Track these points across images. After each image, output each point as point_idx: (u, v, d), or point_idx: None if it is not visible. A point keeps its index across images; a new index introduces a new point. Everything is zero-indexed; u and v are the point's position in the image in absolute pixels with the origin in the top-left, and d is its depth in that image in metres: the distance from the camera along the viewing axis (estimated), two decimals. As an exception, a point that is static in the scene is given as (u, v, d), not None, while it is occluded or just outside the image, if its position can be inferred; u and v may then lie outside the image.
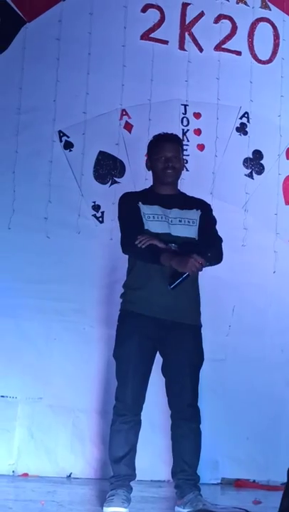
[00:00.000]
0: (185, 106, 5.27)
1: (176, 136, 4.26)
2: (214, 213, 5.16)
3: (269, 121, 5.38)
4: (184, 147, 5.19)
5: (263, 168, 5.37)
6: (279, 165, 5.38)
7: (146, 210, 4.05)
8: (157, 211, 4.06)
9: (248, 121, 5.36)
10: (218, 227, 5.17)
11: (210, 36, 5.36)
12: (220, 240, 4.20)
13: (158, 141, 4.19)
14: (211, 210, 4.26)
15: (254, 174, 5.36)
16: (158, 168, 4.13)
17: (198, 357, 4.10)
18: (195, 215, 4.12)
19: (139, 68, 5.19)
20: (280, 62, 5.46)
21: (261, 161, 5.37)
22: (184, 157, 5.19)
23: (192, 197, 4.25)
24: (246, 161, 5.35)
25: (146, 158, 4.24)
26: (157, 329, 3.98)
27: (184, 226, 4.06)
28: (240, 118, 5.35)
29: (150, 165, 4.20)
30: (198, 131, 5.28)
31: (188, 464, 4.04)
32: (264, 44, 5.46)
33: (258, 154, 5.37)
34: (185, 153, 5.20)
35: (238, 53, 5.41)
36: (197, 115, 5.28)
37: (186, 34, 5.32)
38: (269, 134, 5.39)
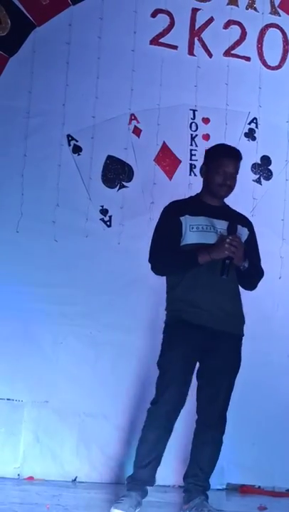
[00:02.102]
0: (194, 111, 5.29)
1: (238, 152, 4.20)
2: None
3: (277, 127, 5.41)
4: (193, 152, 5.25)
5: (271, 174, 5.39)
6: (287, 171, 5.42)
7: (191, 221, 4.02)
8: (204, 222, 4.03)
9: (257, 126, 5.38)
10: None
11: (219, 42, 5.39)
12: (261, 272, 4.27)
13: (221, 154, 4.13)
14: (254, 232, 4.26)
15: (262, 180, 5.38)
16: (214, 181, 4.08)
17: (236, 367, 4.12)
18: (243, 232, 4.12)
19: (148, 73, 5.21)
20: (289, 67, 5.49)
21: (269, 167, 5.40)
22: (192, 162, 5.25)
23: (237, 212, 4.25)
24: (254, 167, 5.37)
25: (202, 165, 4.18)
26: (203, 338, 3.97)
27: None
28: (249, 123, 5.38)
29: (205, 173, 4.14)
30: (206, 137, 5.30)
31: (203, 471, 4.06)
32: (273, 50, 5.49)
33: (266, 160, 5.39)
34: (193, 158, 5.25)
35: (248, 59, 5.43)
36: (206, 120, 5.30)
37: (196, 39, 5.35)
38: (277, 139, 5.42)
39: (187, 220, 4.01)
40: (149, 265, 4.13)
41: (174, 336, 4.01)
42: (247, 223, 4.20)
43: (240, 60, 5.41)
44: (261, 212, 5.30)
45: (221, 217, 4.06)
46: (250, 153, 5.34)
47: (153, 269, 4.10)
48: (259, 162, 5.38)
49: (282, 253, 5.30)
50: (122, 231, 5.07)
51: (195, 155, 5.25)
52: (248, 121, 5.37)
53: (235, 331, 4.08)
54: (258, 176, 5.38)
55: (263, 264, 5.22)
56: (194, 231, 4.00)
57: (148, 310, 4.96)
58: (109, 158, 5.12)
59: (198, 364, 4.07)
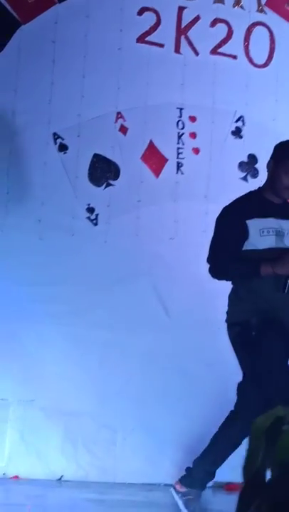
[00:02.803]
0: (180, 109, 5.30)
1: None
2: (208, 217, 5.23)
3: (264, 125, 5.42)
4: (179, 150, 5.26)
5: (258, 172, 5.40)
6: (274, 169, 5.41)
7: (258, 224, 3.87)
8: (274, 224, 3.90)
9: (244, 124, 5.40)
10: (212, 231, 5.23)
11: (206, 40, 5.40)
12: None
13: None
14: None
15: (249, 178, 5.40)
16: (281, 180, 3.92)
17: None
18: None
19: (134, 71, 5.23)
20: (276, 66, 5.50)
21: (256, 165, 5.41)
22: (179, 160, 5.26)
23: None
24: (241, 165, 5.38)
25: (270, 160, 4.06)
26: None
27: None
28: (236, 122, 5.39)
29: (272, 170, 3.99)
30: (193, 135, 5.31)
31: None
32: (260, 48, 5.50)
33: (252, 158, 5.40)
34: (180, 156, 5.26)
35: (234, 57, 5.45)
36: (193, 118, 5.32)
37: (182, 37, 5.36)
38: (264, 137, 5.40)
39: (256, 223, 3.87)
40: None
41: (269, 337, 3.84)
42: None
43: (226, 58, 5.43)
44: (248, 211, 5.32)
45: (287, 217, 3.93)
46: (237, 152, 5.37)
47: (211, 271, 3.97)
48: (246, 160, 5.39)
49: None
50: (109, 229, 5.08)
51: (182, 153, 5.26)
52: (234, 120, 5.39)
53: None
54: (244, 174, 5.39)
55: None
56: (265, 235, 3.86)
57: (135, 308, 4.98)
58: (96, 156, 5.13)
59: None
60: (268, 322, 3.83)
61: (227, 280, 4.01)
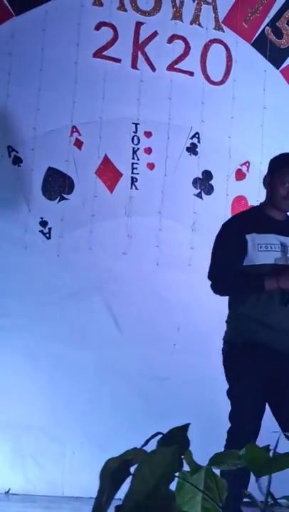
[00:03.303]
0: (136, 124, 5.36)
1: None
2: (162, 232, 5.30)
3: (219, 142, 5.49)
4: (134, 166, 5.32)
5: (212, 189, 5.48)
6: (228, 186, 5.50)
7: (259, 239, 3.81)
8: (273, 240, 3.84)
9: (199, 141, 5.47)
10: (165, 246, 5.30)
11: (163, 56, 5.47)
12: None
13: (287, 164, 3.91)
14: None
15: (203, 194, 5.47)
16: (278, 193, 3.86)
17: None
18: None
19: (90, 86, 5.28)
20: (232, 83, 5.58)
21: (210, 182, 5.48)
22: (134, 175, 5.32)
23: None
24: (196, 181, 5.45)
25: (266, 175, 3.98)
26: (274, 361, 3.79)
27: None
28: (191, 138, 5.46)
29: (269, 184, 3.94)
30: (148, 150, 5.37)
31: None
32: (217, 65, 5.58)
33: (207, 175, 5.47)
34: (135, 171, 5.32)
35: (191, 74, 5.52)
36: (148, 134, 5.38)
37: (139, 53, 5.42)
38: (219, 154, 5.50)
39: (254, 239, 3.82)
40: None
41: (247, 362, 3.78)
42: None
43: (183, 74, 5.50)
44: (201, 227, 5.38)
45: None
46: (192, 168, 5.44)
47: (213, 288, 3.91)
48: (200, 177, 5.47)
49: (221, 268, 5.38)
50: (62, 243, 5.12)
51: (136, 168, 5.32)
52: (190, 136, 5.46)
53: None
54: (199, 191, 5.46)
55: (201, 280, 5.33)
56: (263, 250, 3.81)
57: (86, 323, 5.03)
58: (50, 170, 5.16)
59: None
60: (251, 345, 3.81)
61: (229, 295, 3.96)
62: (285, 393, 3.81)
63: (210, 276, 3.92)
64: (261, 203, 4.08)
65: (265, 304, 3.80)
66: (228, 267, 3.83)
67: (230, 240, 3.87)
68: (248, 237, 3.81)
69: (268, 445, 1.41)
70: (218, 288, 3.90)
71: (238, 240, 3.81)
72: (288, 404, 3.80)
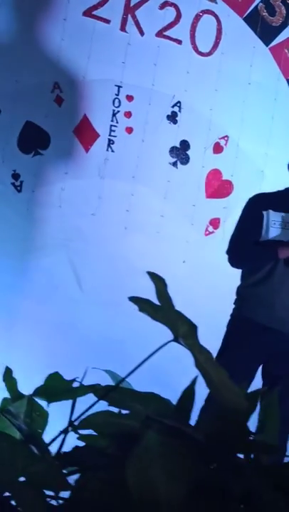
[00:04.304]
0: (119, 87, 5.40)
1: None
2: (133, 197, 5.37)
3: (200, 113, 5.55)
4: (112, 128, 5.37)
5: (188, 159, 5.54)
6: (204, 158, 5.55)
7: (273, 216, 3.93)
8: (286, 218, 3.95)
9: (180, 110, 5.52)
10: (135, 212, 5.37)
11: (153, 21, 5.50)
12: None
13: None
14: None
15: (179, 164, 5.52)
16: None
17: None
18: None
19: (77, 44, 5.31)
20: (220, 56, 5.62)
21: (187, 152, 5.54)
22: (111, 137, 5.37)
23: None
24: (172, 150, 5.51)
25: None
26: (269, 341, 3.90)
27: None
28: (172, 106, 5.51)
29: None
30: (128, 114, 5.42)
31: None
32: (206, 36, 5.61)
33: (185, 144, 5.53)
34: (112, 134, 5.37)
35: (179, 42, 5.56)
36: (130, 98, 5.42)
37: (130, 16, 5.45)
38: (198, 126, 5.55)
39: (270, 215, 3.94)
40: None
41: (236, 336, 3.94)
42: None
43: (171, 42, 5.54)
44: (174, 196, 5.46)
45: None
46: (170, 136, 5.49)
47: (230, 260, 4.05)
48: (178, 146, 5.52)
49: (188, 238, 5.46)
50: (32, 198, 5.17)
51: (115, 131, 5.37)
52: (171, 104, 5.50)
53: None
54: (175, 160, 5.52)
55: (169, 248, 5.43)
56: (276, 227, 3.92)
57: (47, 278, 5.11)
58: (28, 123, 5.21)
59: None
60: (245, 322, 3.95)
61: (245, 266, 4.06)
62: (277, 381, 3.87)
63: (227, 251, 4.08)
64: (286, 188, 4.17)
65: (274, 281, 3.91)
66: (243, 240, 3.99)
67: (248, 215, 4.04)
68: (264, 213, 3.95)
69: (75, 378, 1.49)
70: (233, 259, 4.05)
71: (255, 215, 3.96)
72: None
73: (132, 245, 5.32)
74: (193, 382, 1.32)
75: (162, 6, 5.54)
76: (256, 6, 5.73)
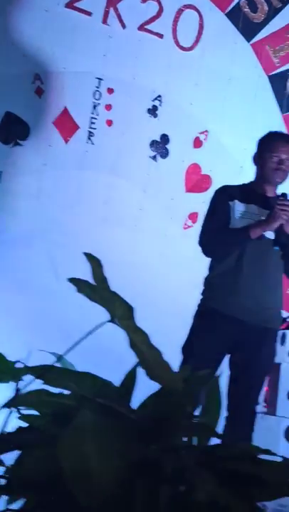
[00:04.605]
0: (100, 80, 5.42)
1: None
2: (112, 190, 5.39)
3: (181, 107, 5.58)
4: (92, 120, 5.39)
5: (168, 153, 5.57)
6: (184, 152, 5.58)
7: (240, 207, 4.02)
8: (254, 210, 4.03)
9: (160, 104, 5.55)
10: (114, 204, 5.39)
11: (135, 15, 5.52)
12: None
13: (275, 140, 4.12)
14: None
15: (158, 157, 5.55)
16: (268, 167, 4.06)
17: (269, 364, 4.17)
18: None
19: (58, 35, 5.32)
20: (201, 51, 5.66)
21: (167, 146, 5.56)
22: (91, 130, 5.39)
23: None
24: (152, 144, 5.53)
25: (256, 153, 4.17)
26: (234, 330, 3.94)
27: None
28: (153, 100, 5.53)
29: (258, 160, 4.14)
30: (109, 107, 5.44)
31: None
32: (187, 31, 5.65)
33: (165, 138, 5.56)
34: (92, 126, 5.39)
35: (161, 36, 5.59)
36: (110, 90, 5.44)
37: (112, 9, 5.47)
38: (179, 120, 5.59)
39: (236, 206, 4.03)
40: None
41: (202, 326, 3.98)
42: None
43: (153, 36, 5.56)
44: (153, 189, 5.49)
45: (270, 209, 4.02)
46: (150, 130, 5.53)
47: (204, 250, 4.08)
48: (158, 140, 5.54)
49: (166, 231, 5.49)
50: (11, 188, 5.19)
51: (95, 123, 5.39)
52: (152, 98, 5.53)
53: (269, 325, 4.04)
54: (154, 154, 5.54)
55: (149, 241, 5.46)
56: (241, 218, 4.00)
57: (23, 268, 5.12)
58: (8, 114, 5.22)
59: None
60: (210, 312, 3.99)
61: (219, 253, 4.08)
62: (239, 376, 3.96)
63: (200, 242, 4.10)
64: (251, 181, 4.23)
65: (240, 272, 3.96)
66: (213, 227, 4.03)
67: (216, 205, 4.10)
68: (231, 203, 4.03)
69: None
70: (206, 248, 4.07)
71: (224, 205, 4.04)
72: (240, 388, 3.94)
73: (110, 238, 5.34)
74: (136, 365, 1.34)
75: (144, 0, 5.56)
76: (238, 2, 5.77)
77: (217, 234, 4.01)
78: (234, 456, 1.25)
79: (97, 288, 1.32)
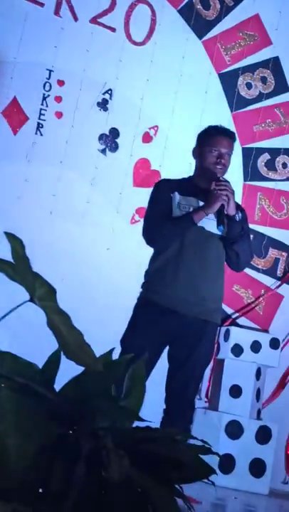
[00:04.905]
0: (50, 71, 5.41)
1: (233, 133, 4.25)
2: (60, 182, 5.38)
3: (131, 102, 5.59)
4: (42, 112, 5.37)
5: (117, 147, 5.58)
6: (133, 147, 5.60)
7: (181, 200, 4.03)
8: (194, 203, 4.04)
9: (111, 98, 5.56)
10: (62, 196, 5.38)
11: (87, 8, 5.53)
12: (251, 255, 4.31)
13: (214, 134, 4.13)
14: (247, 219, 4.23)
15: (107, 151, 5.56)
16: (208, 161, 4.08)
17: (207, 358, 4.18)
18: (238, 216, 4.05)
19: (10, 25, 5.30)
20: (153, 46, 5.68)
21: (116, 140, 5.58)
22: (40, 121, 5.38)
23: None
24: (102, 137, 5.54)
25: (195, 147, 4.19)
26: (172, 323, 3.95)
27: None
28: (104, 94, 5.54)
29: (198, 154, 4.15)
30: (58, 99, 5.43)
31: None
32: (140, 26, 5.67)
33: (114, 132, 5.57)
34: (42, 117, 5.38)
35: (113, 30, 5.59)
36: (61, 82, 5.43)
37: (64, 1, 5.46)
38: (129, 114, 5.60)
39: (176, 198, 4.04)
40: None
41: (140, 318, 4.00)
42: (241, 210, 4.14)
43: (105, 29, 5.57)
44: (101, 183, 5.50)
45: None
46: (100, 123, 5.53)
47: (147, 239, 4.09)
48: (107, 133, 5.55)
49: (114, 226, 5.50)
50: None
51: (44, 115, 5.38)
52: (102, 91, 5.54)
53: (209, 318, 4.05)
54: (103, 147, 5.55)
55: (95, 235, 5.47)
56: (182, 210, 4.02)
57: None
58: None
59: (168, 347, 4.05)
60: (147, 305, 4.01)
61: (163, 242, 4.08)
62: (177, 369, 3.99)
63: (143, 233, 4.11)
64: (190, 176, 4.26)
65: (178, 264, 3.98)
66: (156, 216, 4.05)
67: (158, 197, 4.11)
68: (172, 195, 4.05)
69: None
70: (151, 238, 4.08)
71: (165, 197, 4.05)
72: (178, 381, 3.98)
73: (57, 230, 5.34)
74: (58, 350, 1.35)
75: (98, -7, 5.56)
76: (191, -1, 5.80)
77: (160, 222, 4.03)
78: (153, 439, 1.27)
79: (17, 267, 1.32)
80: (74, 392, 1.27)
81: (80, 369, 1.47)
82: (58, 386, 1.38)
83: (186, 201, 4.05)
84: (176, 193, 4.06)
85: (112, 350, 1.46)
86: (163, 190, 4.13)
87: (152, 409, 4.14)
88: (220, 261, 4.09)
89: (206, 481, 1.40)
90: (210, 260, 4.02)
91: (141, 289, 4.14)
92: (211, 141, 4.11)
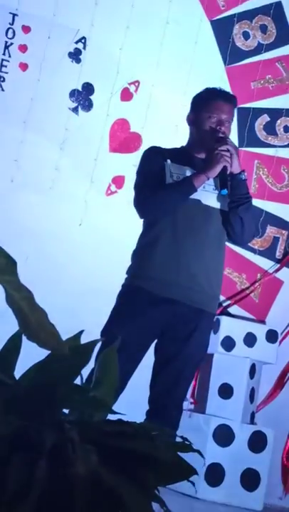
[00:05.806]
0: (14, 15, 5.41)
1: (234, 97, 4.30)
2: (23, 146, 5.40)
3: (108, 52, 5.61)
4: (4, 63, 5.39)
5: (92, 105, 5.59)
6: (110, 105, 5.61)
7: (174, 169, 4.07)
8: (186, 172, 4.07)
9: (84, 48, 5.57)
10: (25, 162, 5.40)
11: None
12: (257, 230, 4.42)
13: (213, 98, 4.17)
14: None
15: (80, 110, 5.58)
16: (205, 128, 4.12)
17: (201, 351, 4.18)
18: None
19: None
20: (135, -13, 5.68)
21: (91, 97, 5.59)
22: (2, 74, 5.39)
23: None
24: (73, 94, 5.55)
25: (190, 113, 4.25)
26: (163, 311, 3.97)
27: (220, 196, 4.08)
28: (76, 43, 5.55)
29: (194, 121, 4.20)
30: (23, 48, 5.44)
31: None
32: None
33: (88, 88, 5.58)
34: (4, 69, 5.39)
35: None
36: (26, 29, 5.44)
37: None
38: (105, 67, 5.62)
39: (168, 166, 4.07)
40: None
41: (126, 308, 4.02)
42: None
43: None
44: (72, 147, 5.52)
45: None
46: (71, 77, 5.54)
47: (141, 210, 4.12)
48: (80, 89, 5.56)
49: (87, 197, 5.52)
50: None
51: (6, 66, 5.40)
52: (75, 40, 5.55)
53: (204, 307, 4.07)
54: (75, 105, 5.57)
55: (65, 208, 5.49)
56: (174, 178, 4.05)
57: None
58: None
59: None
60: (133, 291, 4.04)
61: (159, 211, 4.12)
62: (165, 365, 4.01)
63: (135, 203, 4.14)
64: (182, 145, 4.30)
65: (162, 242, 4.02)
66: (150, 184, 4.08)
67: (150, 164, 4.16)
68: (164, 163, 4.08)
69: None
70: (145, 208, 4.12)
71: (158, 164, 4.09)
72: (166, 379, 4.01)
73: (19, 201, 5.37)
74: (19, 332, 1.39)
75: None
76: None
77: (156, 190, 4.05)
78: (126, 434, 1.31)
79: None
80: (37, 379, 1.30)
81: (44, 354, 1.51)
82: (19, 372, 1.42)
83: (179, 170, 4.07)
84: (169, 161, 4.08)
85: (80, 332, 1.49)
86: (155, 156, 4.15)
87: (141, 411, 4.23)
88: (220, 240, 4.12)
89: (187, 491, 1.43)
90: (208, 239, 4.04)
91: (126, 275, 4.15)
92: (208, 107, 4.14)
